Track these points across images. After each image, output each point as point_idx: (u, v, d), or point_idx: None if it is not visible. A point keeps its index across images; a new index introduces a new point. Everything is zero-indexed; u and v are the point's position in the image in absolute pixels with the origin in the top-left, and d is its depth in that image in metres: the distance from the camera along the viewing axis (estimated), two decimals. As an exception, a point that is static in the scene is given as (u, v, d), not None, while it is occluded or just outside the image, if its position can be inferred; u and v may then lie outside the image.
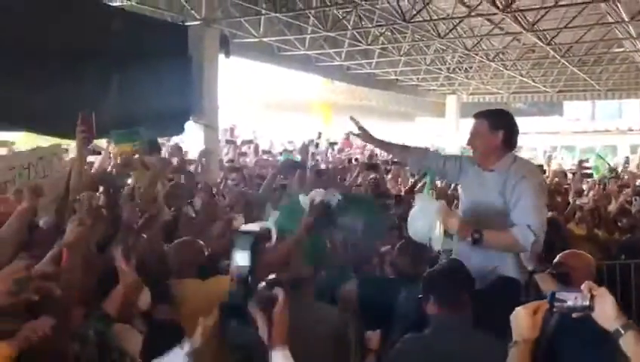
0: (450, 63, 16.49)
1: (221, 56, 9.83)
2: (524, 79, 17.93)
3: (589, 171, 9.30)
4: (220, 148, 9.44)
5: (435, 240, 2.70)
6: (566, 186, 7.96)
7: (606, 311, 1.55)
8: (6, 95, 6.29)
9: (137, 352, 2.24)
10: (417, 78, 18.50)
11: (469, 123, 3.04)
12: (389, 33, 13.26)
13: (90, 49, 7.23)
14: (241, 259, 1.59)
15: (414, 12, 10.62)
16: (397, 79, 18.21)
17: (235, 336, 1.75)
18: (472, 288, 2.54)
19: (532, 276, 2.95)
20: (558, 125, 26.66)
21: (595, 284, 1.60)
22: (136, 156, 4.12)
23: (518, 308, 1.68)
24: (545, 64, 16.22)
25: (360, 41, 12.95)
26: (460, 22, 11.43)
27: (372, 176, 6.75)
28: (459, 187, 3.29)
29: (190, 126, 9.40)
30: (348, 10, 11.17)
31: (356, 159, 9.34)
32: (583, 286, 1.58)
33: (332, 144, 11.31)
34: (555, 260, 2.98)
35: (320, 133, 11.49)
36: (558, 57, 13.64)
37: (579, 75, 16.67)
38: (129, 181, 3.80)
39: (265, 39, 11.77)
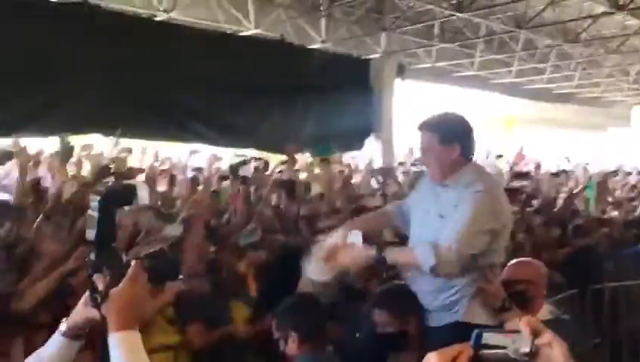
0: (632, 74, 16.13)
1: (398, 80, 11.54)
2: None
3: None
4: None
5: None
6: None
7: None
8: (239, 122, 8.75)
9: None
10: (598, 90, 18.26)
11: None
12: (559, 46, 13.72)
13: (297, 85, 9.41)
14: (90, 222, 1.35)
15: (580, 31, 11.22)
16: (573, 92, 18.17)
17: None
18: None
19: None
20: None
21: (539, 323, 1.10)
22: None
23: (429, 355, 1.13)
24: None
25: (528, 60, 13.73)
26: (625, 40, 11.62)
27: (522, 183, 7.68)
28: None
29: (370, 141, 11.24)
30: (514, 33, 12.08)
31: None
32: (521, 325, 1.08)
33: (499, 156, 12.00)
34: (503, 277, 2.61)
35: (488, 152, 11.74)
36: None
37: None
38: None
39: (438, 64, 13.29)
